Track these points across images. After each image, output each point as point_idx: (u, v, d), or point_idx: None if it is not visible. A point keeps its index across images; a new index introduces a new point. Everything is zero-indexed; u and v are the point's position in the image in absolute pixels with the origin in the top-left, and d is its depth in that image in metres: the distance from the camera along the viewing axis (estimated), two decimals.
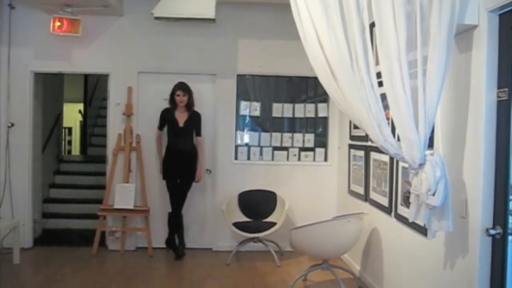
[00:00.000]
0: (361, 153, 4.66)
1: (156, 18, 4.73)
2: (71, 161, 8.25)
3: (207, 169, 5.49)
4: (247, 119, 5.73)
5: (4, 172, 5.22)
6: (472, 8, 2.49)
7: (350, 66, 2.55)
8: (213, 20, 4.74)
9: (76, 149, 12.07)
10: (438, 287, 2.95)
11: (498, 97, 2.41)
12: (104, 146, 5.73)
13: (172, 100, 5.14)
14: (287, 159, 5.66)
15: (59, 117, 7.28)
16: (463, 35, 2.64)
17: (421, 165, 2.53)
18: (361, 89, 2.54)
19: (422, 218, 2.64)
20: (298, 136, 5.69)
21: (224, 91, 5.52)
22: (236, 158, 5.60)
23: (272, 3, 5.13)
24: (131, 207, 5.23)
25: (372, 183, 4.35)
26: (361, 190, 4.66)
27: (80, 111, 9.92)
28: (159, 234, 5.35)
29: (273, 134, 5.68)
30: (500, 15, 2.41)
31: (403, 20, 2.43)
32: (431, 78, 2.43)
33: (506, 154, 2.37)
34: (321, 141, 5.74)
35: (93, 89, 9.40)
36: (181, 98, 5.10)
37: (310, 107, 5.69)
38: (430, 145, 2.82)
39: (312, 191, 5.59)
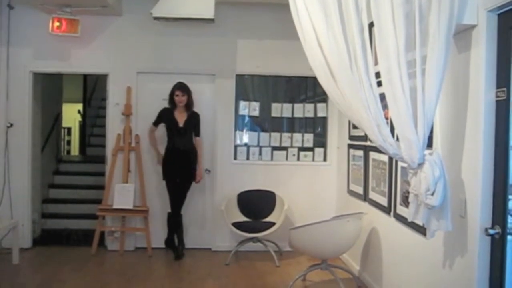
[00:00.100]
0: (360, 153, 4.66)
1: (155, 18, 4.75)
2: (70, 161, 8.23)
3: (206, 169, 5.49)
4: (246, 119, 5.72)
5: (3, 173, 5.22)
6: (471, 8, 2.49)
7: (349, 66, 2.55)
8: (212, 20, 4.75)
9: (75, 149, 12.07)
10: (437, 287, 2.95)
11: (497, 96, 2.41)
12: (103, 146, 5.72)
13: (171, 100, 5.13)
14: (286, 159, 5.66)
15: (58, 117, 7.26)
16: (462, 34, 2.64)
17: (420, 164, 2.53)
18: (360, 89, 2.54)
19: (421, 218, 2.64)
20: (297, 136, 5.69)
21: (223, 91, 5.51)
22: (235, 158, 5.60)
23: (271, 3, 5.13)
24: (130, 207, 5.23)
25: (371, 183, 4.35)
26: (360, 190, 4.67)
27: (79, 111, 9.93)
28: (158, 234, 5.34)
29: (272, 134, 5.68)
30: (499, 14, 2.41)
31: (402, 20, 2.43)
32: (430, 78, 2.43)
33: (505, 153, 2.36)
34: (320, 141, 5.74)
35: (92, 89, 9.41)
36: (180, 98, 5.09)
37: (309, 107, 5.69)
38: (429, 144, 2.82)
39: (311, 191, 5.59)
